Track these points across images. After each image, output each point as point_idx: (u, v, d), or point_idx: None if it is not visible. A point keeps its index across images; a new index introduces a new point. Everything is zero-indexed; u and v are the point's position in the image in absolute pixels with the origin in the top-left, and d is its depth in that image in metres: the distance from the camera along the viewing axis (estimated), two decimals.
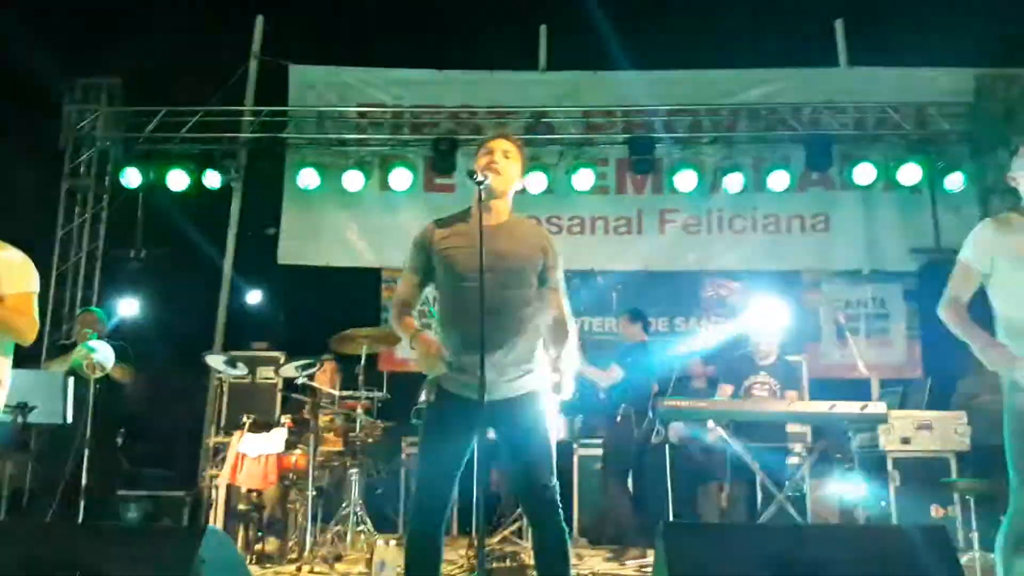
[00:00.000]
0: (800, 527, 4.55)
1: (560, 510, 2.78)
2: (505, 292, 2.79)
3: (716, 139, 8.15)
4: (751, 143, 8.13)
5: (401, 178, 7.94)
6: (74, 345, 5.46)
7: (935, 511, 5.46)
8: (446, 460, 2.77)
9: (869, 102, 8.01)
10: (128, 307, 7.43)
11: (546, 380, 2.89)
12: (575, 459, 6.78)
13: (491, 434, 2.95)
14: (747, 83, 8.30)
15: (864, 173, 7.74)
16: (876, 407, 5.01)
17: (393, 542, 4.44)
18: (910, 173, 7.70)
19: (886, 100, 7.99)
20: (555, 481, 2.78)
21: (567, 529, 2.79)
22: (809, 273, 8.11)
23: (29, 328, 3.30)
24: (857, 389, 6.37)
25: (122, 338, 5.88)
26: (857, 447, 5.64)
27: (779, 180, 7.82)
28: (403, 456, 6.93)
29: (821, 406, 5.08)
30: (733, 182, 7.87)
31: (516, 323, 2.80)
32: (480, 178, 2.75)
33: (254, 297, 7.95)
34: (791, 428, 6.16)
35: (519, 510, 5.63)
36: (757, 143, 8.12)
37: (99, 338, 5.39)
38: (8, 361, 3.32)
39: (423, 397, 2.93)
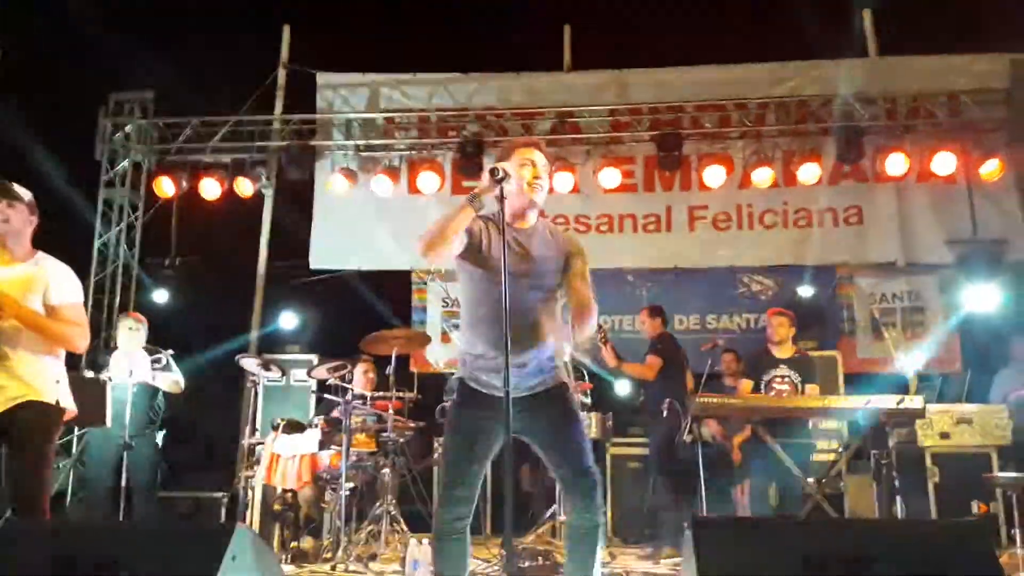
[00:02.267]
0: (832, 521, 4.49)
1: (601, 495, 2.78)
2: (531, 294, 2.81)
3: (744, 134, 8.08)
4: (780, 137, 8.04)
5: (429, 181, 7.98)
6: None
7: (977, 507, 5.35)
8: (471, 457, 2.79)
9: (900, 92, 7.90)
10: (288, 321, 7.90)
11: (569, 373, 2.91)
12: (608, 457, 6.76)
13: (520, 436, 2.93)
14: (775, 77, 8.20)
15: (897, 164, 7.61)
16: (913, 401, 4.96)
17: (426, 541, 4.43)
18: (944, 163, 7.54)
19: (917, 89, 7.87)
20: (595, 467, 2.80)
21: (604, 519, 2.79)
22: (843, 267, 7.99)
23: (83, 337, 3.41)
24: (893, 384, 6.27)
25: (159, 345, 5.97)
26: (894, 443, 5.56)
27: (810, 174, 7.72)
28: (435, 456, 6.96)
29: (857, 401, 5.03)
30: (763, 177, 7.78)
31: (540, 326, 2.82)
32: (501, 175, 2.64)
33: (287, 320, 8.06)
34: (825, 424, 6.11)
35: (551, 510, 5.64)
36: (786, 137, 8.04)
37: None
38: (62, 363, 3.42)
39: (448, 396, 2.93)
